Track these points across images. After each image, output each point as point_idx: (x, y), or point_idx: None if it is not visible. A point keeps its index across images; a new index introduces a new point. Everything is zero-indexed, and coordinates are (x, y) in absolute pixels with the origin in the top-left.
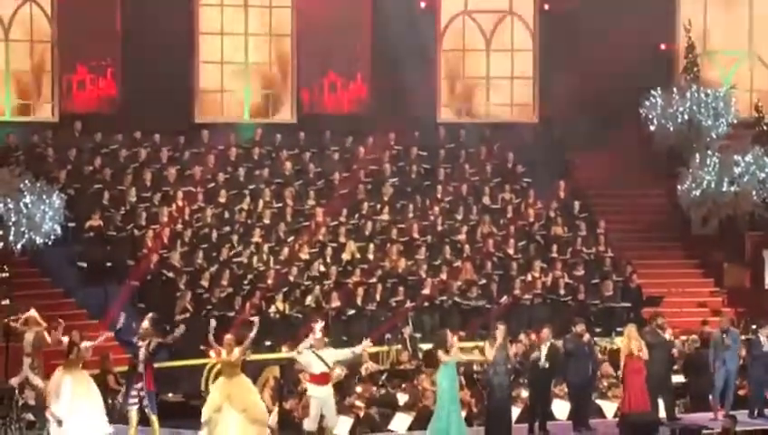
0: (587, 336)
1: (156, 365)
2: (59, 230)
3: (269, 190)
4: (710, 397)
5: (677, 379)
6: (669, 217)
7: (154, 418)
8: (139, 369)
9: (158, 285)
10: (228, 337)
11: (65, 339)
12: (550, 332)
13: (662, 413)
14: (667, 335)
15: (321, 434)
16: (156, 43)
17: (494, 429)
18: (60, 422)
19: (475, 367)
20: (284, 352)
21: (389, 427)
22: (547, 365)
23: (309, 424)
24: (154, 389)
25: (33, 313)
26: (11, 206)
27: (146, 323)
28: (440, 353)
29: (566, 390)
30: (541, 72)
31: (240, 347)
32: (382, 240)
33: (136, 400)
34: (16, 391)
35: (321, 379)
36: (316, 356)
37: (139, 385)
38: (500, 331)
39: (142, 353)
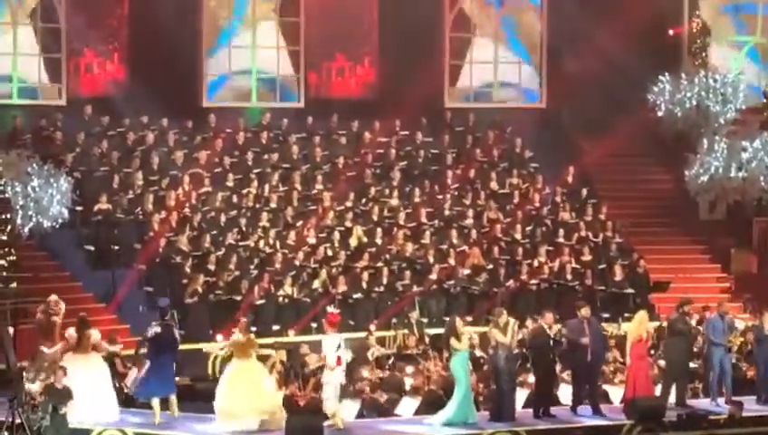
0: (586, 321)
1: None
2: (66, 214)
3: (276, 174)
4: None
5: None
6: (677, 202)
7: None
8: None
9: (166, 269)
10: (243, 320)
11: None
12: (552, 316)
13: (671, 398)
14: (692, 322)
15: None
16: (163, 27)
17: (499, 413)
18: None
19: (477, 352)
20: (291, 337)
21: (396, 411)
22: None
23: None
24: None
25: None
26: (18, 189)
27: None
28: (453, 341)
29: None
30: (549, 57)
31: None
32: (389, 225)
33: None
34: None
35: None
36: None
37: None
38: (505, 315)
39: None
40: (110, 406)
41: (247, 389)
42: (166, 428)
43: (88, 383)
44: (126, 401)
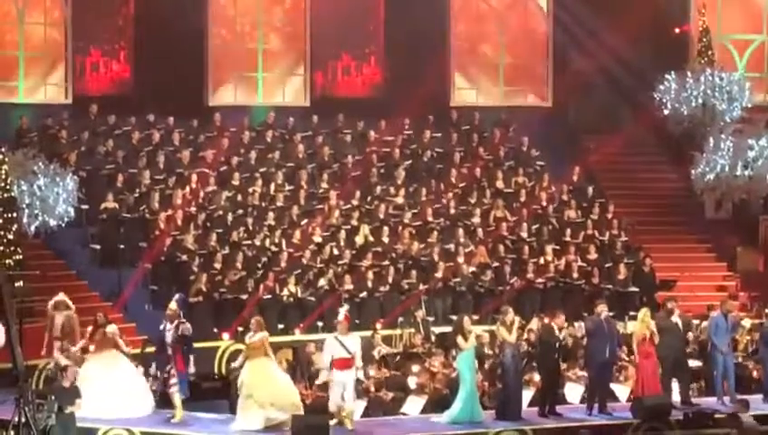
0: (605, 316)
1: None
2: (72, 212)
3: (282, 173)
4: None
5: (694, 363)
6: (683, 200)
7: (178, 401)
8: (168, 351)
9: (171, 267)
10: (256, 319)
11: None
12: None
13: (677, 397)
14: (675, 319)
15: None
16: (169, 26)
17: (505, 411)
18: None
19: (486, 350)
20: (297, 335)
21: (402, 410)
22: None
23: (330, 405)
24: (184, 371)
25: (62, 296)
26: (24, 188)
27: (173, 305)
28: (459, 340)
29: (579, 373)
30: (555, 56)
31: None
32: (395, 223)
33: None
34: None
35: (342, 364)
36: (338, 342)
37: (168, 367)
38: (511, 313)
39: (170, 336)
40: (147, 398)
41: (277, 383)
42: (173, 427)
43: (118, 379)
44: None
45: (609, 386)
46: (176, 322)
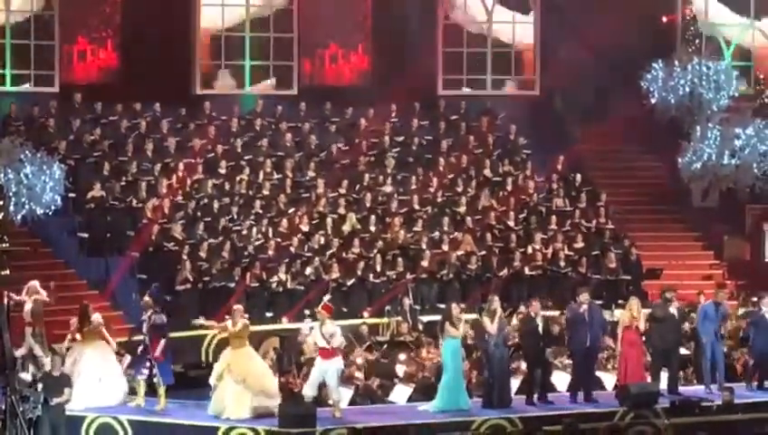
0: (585, 306)
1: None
2: (59, 201)
3: (269, 162)
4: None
5: (683, 351)
6: (670, 189)
7: (161, 390)
8: (145, 341)
9: (159, 256)
10: (237, 307)
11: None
12: (539, 304)
13: (664, 385)
14: (673, 309)
15: (321, 404)
16: (156, 14)
17: (492, 400)
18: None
19: (470, 340)
20: (284, 324)
21: (389, 398)
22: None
23: (306, 390)
24: (163, 359)
25: (33, 283)
26: (11, 176)
27: (146, 297)
28: (448, 327)
29: (566, 361)
30: (542, 44)
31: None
32: (383, 212)
33: (146, 371)
34: (18, 363)
35: (326, 353)
36: (320, 332)
37: (147, 357)
38: (496, 303)
39: (145, 326)
40: (119, 387)
41: (264, 371)
42: (161, 415)
43: (96, 368)
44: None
45: (593, 374)
46: (149, 312)
